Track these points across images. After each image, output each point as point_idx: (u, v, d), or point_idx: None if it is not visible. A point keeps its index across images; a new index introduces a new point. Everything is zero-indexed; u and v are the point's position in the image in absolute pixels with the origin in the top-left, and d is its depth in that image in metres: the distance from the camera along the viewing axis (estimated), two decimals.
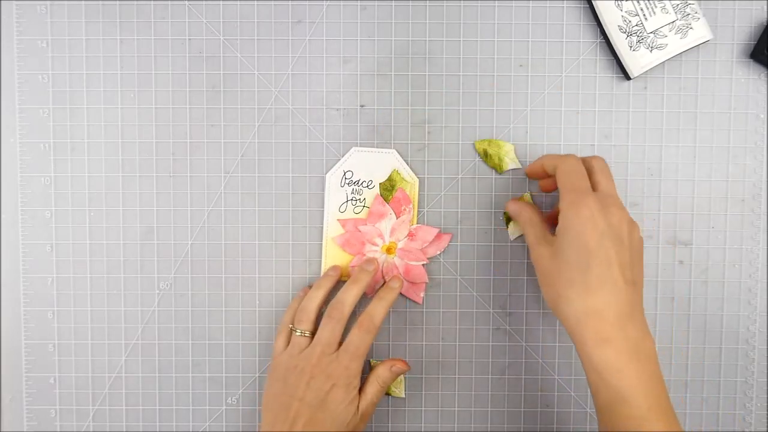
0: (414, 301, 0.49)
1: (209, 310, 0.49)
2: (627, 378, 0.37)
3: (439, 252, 0.49)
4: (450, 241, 0.49)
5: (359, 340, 0.44)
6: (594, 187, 0.42)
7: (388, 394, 0.49)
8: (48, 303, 0.49)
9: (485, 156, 0.48)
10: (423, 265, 0.48)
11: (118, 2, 0.48)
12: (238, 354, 0.49)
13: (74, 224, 0.49)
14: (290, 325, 0.47)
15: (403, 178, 0.48)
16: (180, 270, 0.49)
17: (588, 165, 0.43)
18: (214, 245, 0.49)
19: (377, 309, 0.45)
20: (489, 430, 0.50)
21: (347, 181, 0.48)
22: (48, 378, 0.50)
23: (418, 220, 0.49)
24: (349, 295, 0.45)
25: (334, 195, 0.49)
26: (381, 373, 0.46)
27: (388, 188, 0.48)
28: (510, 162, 0.48)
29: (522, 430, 0.50)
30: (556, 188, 0.45)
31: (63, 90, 0.49)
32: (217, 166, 0.49)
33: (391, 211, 0.48)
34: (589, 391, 0.41)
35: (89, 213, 0.49)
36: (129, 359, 0.50)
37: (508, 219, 0.49)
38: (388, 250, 0.48)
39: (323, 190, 0.49)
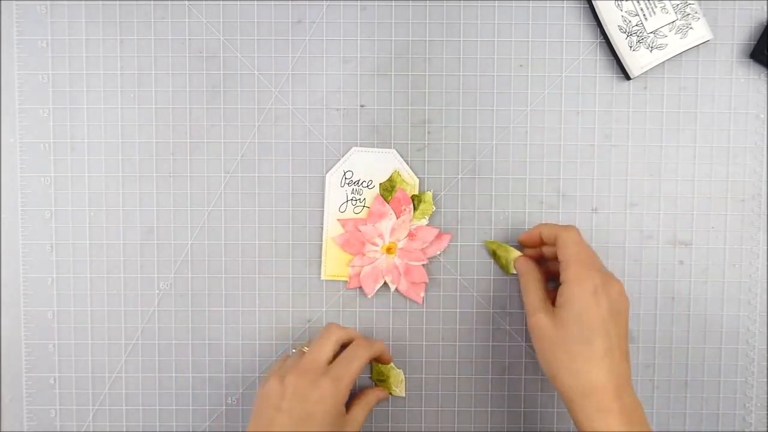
0: (414, 301, 0.49)
1: (209, 310, 0.49)
2: None
3: (439, 252, 0.49)
4: (450, 241, 0.49)
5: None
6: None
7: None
8: (48, 303, 0.49)
9: (494, 255, 0.48)
10: (423, 265, 0.48)
11: (118, 2, 0.48)
12: (238, 354, 0.49)
13: (74, 224, 0.49)
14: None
15: (403, 179, 0.48)
16: (180, 270, 0.49)
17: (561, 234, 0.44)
18: (214, 245, 0.49)
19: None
20: (489, 430, 0.50)
21: (347, 181, 0.48)
22: (48, 378, 0.50)
23: None
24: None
25: (334, 195, 0.49)
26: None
27: (388, 188, 0.48)
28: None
29: (522, 430, 0.50)
30: (541, 255, 0.47)
31: (63, 90, 0.49)
32: (217, 166, 0.49)
33: (391, 211, 0.48)
34: None
35: (89, 213, 0.49)
36: (129, 359, 0.50)
37: (494, 252, 0.49)
38: (388, 250, 0.48)
39: (323, 190, 0.49)
